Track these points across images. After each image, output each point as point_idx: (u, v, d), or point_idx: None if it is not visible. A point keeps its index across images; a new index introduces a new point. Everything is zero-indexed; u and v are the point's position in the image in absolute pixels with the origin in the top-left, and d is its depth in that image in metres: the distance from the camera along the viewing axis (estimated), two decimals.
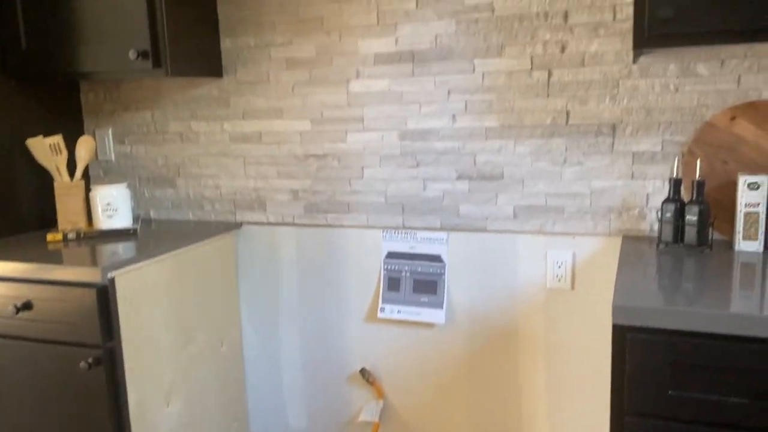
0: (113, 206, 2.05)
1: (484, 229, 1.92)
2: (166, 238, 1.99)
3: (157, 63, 1.86)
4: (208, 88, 2.15)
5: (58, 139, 2.10)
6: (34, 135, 2.13)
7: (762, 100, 1.60)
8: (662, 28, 1.35)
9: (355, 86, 1.97)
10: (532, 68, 1.79)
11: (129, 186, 2.33)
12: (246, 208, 2.18)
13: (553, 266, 1.87)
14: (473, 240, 1.94)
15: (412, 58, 1.90)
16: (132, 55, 1.84)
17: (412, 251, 2.01)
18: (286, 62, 2.04)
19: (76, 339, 1.72)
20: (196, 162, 2.22)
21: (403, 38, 1.90)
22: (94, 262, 1.73)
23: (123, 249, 1.87)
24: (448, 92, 1.88)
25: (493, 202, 1.90)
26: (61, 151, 2.10)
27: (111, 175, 2.35)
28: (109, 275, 1.68)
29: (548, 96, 1.79)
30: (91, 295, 1.68)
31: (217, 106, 2.15)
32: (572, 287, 1.87)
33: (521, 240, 1.89)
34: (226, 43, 2.10)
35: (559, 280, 1.87)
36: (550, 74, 1.77)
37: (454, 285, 1.98)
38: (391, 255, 2.04)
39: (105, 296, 1.69)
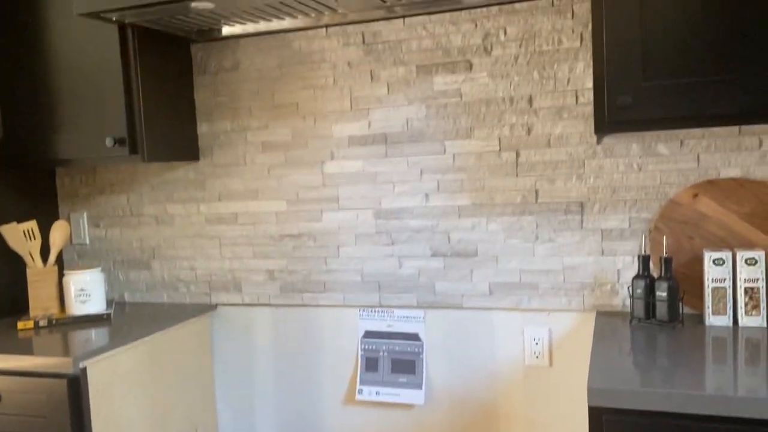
0: (86, 291, 2.02)
1: (460, 306, 1.93)
2: (140, 323, 1.96)
3: (133, 149, 1.89)
4: (184, 171, 2.18)
5: (32, 225, 2.09)
6: (7, 220, 2.13)
7: (721, 178, 1.66)
8: (621, 114, 1.41)
9: (330, 167, 2.01)
10: (500, 149, 1.85)
11: (103, 269, 2.31)
12: (221, 290, 2.17)
13: (530, 343, 1.88)
14: (450, 317, 1.94)
15: (384, 140, 1.95)
16: (109, 142, 1.86)
17: (389, 330, 2.01)
18: (262, 145, 2.08)
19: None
20: (171, 244, 2.22)
21: (376, 122, 1.96)
22: (65, 350, 1.69)
23: (96, 336, 1.84)
24: (421, 172, 1.93)
25: (469, 279, 1.91)
26: (34, 237, 2.09)
27: (85, 259, 2.33)
28: (81, 365, 1.65)
29: (517, 175, 1.84)
30: (61, 386, 1.64)
31: (194, 188, 2.17)
32: (550, 364, 1.87)
33: (498, 317, 1.90)
34: (202, 128, 2.14)
35: (537, 357, 1.88)
36: (518, 155, 1.83)
37: (432, 364, 1.97)
38: (368, 334, 2.03)
39: (77, 387, 1.65)
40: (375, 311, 2.01)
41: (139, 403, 1.84)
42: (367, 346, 2.03)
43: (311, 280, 2.06)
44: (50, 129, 1.95)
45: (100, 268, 2.07)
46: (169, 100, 2.01)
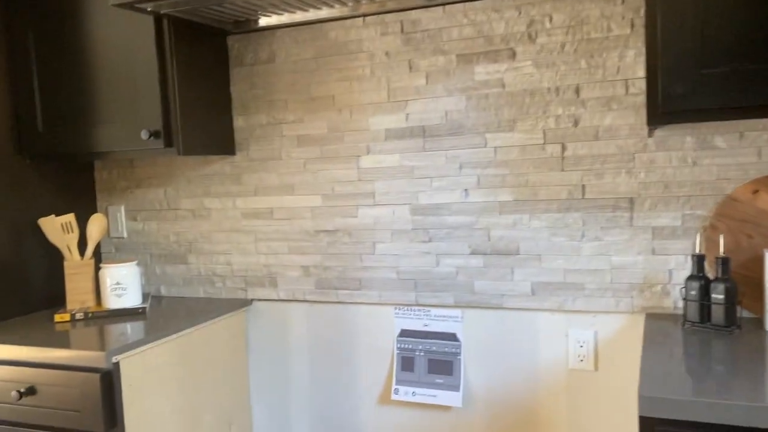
0: (122, 285, 2.02)
1: (500, 306, 1.85)
2: (175, 318, 1.95)
3: (168, 143, 1.87)
4: (220, 165, 2.16)
5: (70, 218, 2.10)
6: (46, 213, 2.14)
7: None
8: (676, 104, 1.32)
9: (366, 162, 1.96)
10: (545, 142, 1.76)
11: (140, 263, 2.31)
12: (257, 285, 2.14)
13: (574, 346, 1.79)
14: (490, 318, 1.87)
15: (422, 133, 1.89)
16: (144, 135, 1.85)
17: (426, 329, 1.94)
18: (298, 139, 2.04)
19: (78, 427, 1.66)
20: (208, 238, 2.20)
21: (414, 114, 1.89)
22: (99, 344, 1.68)
23: (131, 330, 1.83)
24: (460, 166, 1.86)
25: (510, 278, 1.84)
26: (72, 230, 2.09)
27: (123, 252, 2.33)
28: (114, 359, 1.63)
29: (563, 170, 1.75)
30: (94, 381, 1.63)
31: (230, 182, 2.15)
32: (595, 368, 1.78)
33: (540, 318, 1.82)
34: (238, 122, 2.11)
35: (582, 361, 1.79)
36: (564, 148, 1.75)
37: (471, 365, 1.90)
38: (404, 333, 1.97)
39: (109, 381, 1.64)
40: (411, 310, 1.95)
41: (172, 399, 1.83)
42: (403, 345, 1.97)
43: (346, 277, 2.01)
44: (88, 121, 1.95)
45: (136, 262, 2.06)
46: (205, 93, 1.99)
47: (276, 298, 2.12)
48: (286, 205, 2.07)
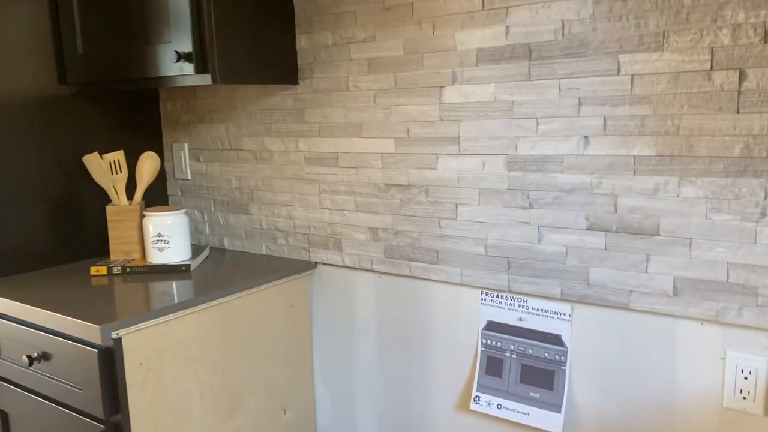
0: (165, 237, 1.73)
1: (626, 307, 1.30)
2: (224, 278, 1.63)
3: (202, 67, 1.50)
4: (282, 97, 1.76)
5: (118, 156, 1.83)
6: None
7: None
8: None
9: (451, 94, 1.45)
10: (712, 67, 1.14)
11: (203, 209, 2.01)
12: (321, 246, 1.76)
13: (735, 375, 1.20)
14: (610, 320, 1.33)
15: (528, 54, 1.33)
16: (172, 57, 1.49)
17: (520, 325, 1.44)
18: (368, 64, 1.57)
19: (80, 407, 1.41)
20: (270, 186, 1.84)
21: (517, 27, 1.34)
22: (107, 312, 1.40)
23: (162, 292, 1.54)
24: (579, 103, 1.29)
25: (642, 267, 1.27)
26: (120, 170, 1.83)
27: (187, 197, 2.06)
28: (114, 334, 1.34)
29: (738, 111, 1.12)
30: (92, 358, 1.35)
31: (292, 119, 1.75)
32: (765, 412, 1.18)
33: (684, 329, 1.24)
34: (302, 42, 1.68)
35: (745, 398, 1.20)
36: (742, 76, 1.11)
37: (579, 380, 1.38)
38: (491, 326, 1.48)
39: (110, 360, 1.35)
40: (502, 297, 1.46)
41: (204, 379, 1.52)
42: (489, 342, 1.49)
43: (421, 246, 1.55)
44: (125, 42, 1.62)
45: (183, 210, 1.76)
46: (255, 3, 1.58)
47: (341, 263, 1.72)
48: (354, 149, 1.64)
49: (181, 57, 1.49)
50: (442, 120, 1.47)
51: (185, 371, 1.48)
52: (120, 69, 1.65)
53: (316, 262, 1.78)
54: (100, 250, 1.92)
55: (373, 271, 1.66)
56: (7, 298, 1.52)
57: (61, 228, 1.83)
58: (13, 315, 1.51)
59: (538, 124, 1.35)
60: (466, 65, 1.41)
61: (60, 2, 1.74)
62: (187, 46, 1.49)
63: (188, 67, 1.50)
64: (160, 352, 1.43)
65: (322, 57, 1.65)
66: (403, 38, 1.50)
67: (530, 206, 1.38)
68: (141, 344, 1.39)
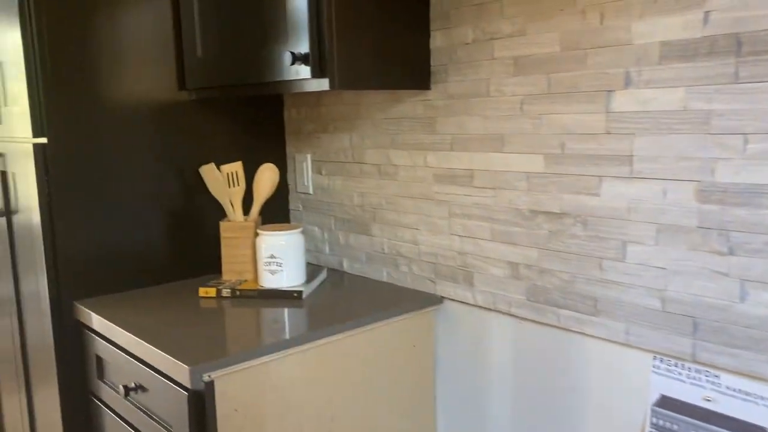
0: (278, 259, 1.56)
1: None
2: (338, 309, 1.43)
3: (319, 71, 1.29)
4: (411, 104, 1.52)
5: (237, 167, 1.69)
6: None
7: None
8: None
9: (622, 101, 1.13)
10: None
11: (323, 227, 1.83)
12: (448, 278, 1.50)
13: None
14: None
15: (736, 48, 0.98)
16: (287, 59, 1.30)
17: (707, 406, 1.09)
18: (515, 63, 1.29)
19: None
20: (394, 205, 1.61)
21: (720, 12, 0.99)
22: (203, 348, 1.23)
23: (270, 324, 1.37)
24: None
25: None
26: (238, 182, 1.69)
27: (309, 211, 1.88)
28: (206, 377, 1.17)
29: None
30: (182, 401, 1.19)
31: (421, 129, 1.51)
32: None
33: None
34: (436, 40, 1.44)
35: None
36: None
37: None
38: (665, 403, 1.14)
39: (200, 405, 1.18)
40: (683, 367, 1.11)
41: (308, 428, 1.32)
42: (661, 422, 1.15)
43: (575, 291, 1.24)
44: (242, 44, 1.47)
45: (299, 230, 1.58)
46: None
47: (471, 301, 1.45)
48: (493, 167, 1.36)
49: (296, 59, 1.29)
50: (608, 133, 1.15)
51: (286, 419, 1.29)
52: (236, 73, 1.50)
53: (442, 297, 1.52)
54: (214, 266, 1.79)
55: (510, 314, 1.37)
56: (112, 321, 1.41)
57: (176, 242, 1.72)
58: (114, 340, 1.40)
59: (746, 142, 0.99)
60: (645, 64, 1.09)
61: (182, 7, 1.63)
62: (303, 47, 1.29)
63: (305, 71, 1.30)
64: (258, 398, 1.24)
65: (459, 56, 1.39)
66: (561, 31, 1.20)
67: (730, 252, 1.02)
68: (237, 388, 1.21)
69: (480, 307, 1.43)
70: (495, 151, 1.35)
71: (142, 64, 1.62)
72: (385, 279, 1.67)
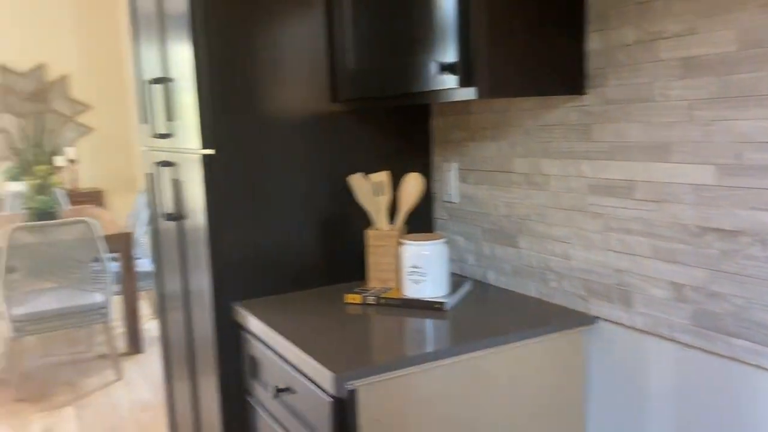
0: (421, 270, 1.55)
1: None
2: (481, 323, 1.40)
3: (466, 80, 1.27)
4: (564, 110, 1.44)
5: (383, 177, 1.71)
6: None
7: None
8: None
9: None
10: None
11: (470, 237, 1.80)
12: (602, 296, 1.40)
13: None
14: None
15: None
16: (434, 69, 1.29)
17: None
18: (683, 65, 1.17)
19: None
20: (543, 216, 1.54)
21: None
22: (343, 355, 1.25)
23: (413, 334, 1.37)
24: None
25: None
26: (384, 191, 1.71)
27: (454, 221, 1.86)
28: (349, 386, 1.18)
29: None
30: (324, 407, 1.22)
31: (575, 137, 1.42)
32: None
33: None
34: (593, 42, 1.35)
35: None
36: None
37: None
38: None
39: (342, 413, 1.20)
40: None
41: None
42: None
43: (751, 319, 1.10)
44: (392, 53, 1.48)
45: (442, 240, 1.56)
46: (534, 1, 1.30)
47: (628, 323, 1.34)
48: (655, 178, 1.25)
49: (443, 68, 1.28)
50: None
51: None
52: (384, 84, 1.51)
53: (595, 317, 1.43)
54: (360, 272, 1.82)
55: (673, 340, 1.25)
56: (265, 323, 1.47)
57: (324, 248, 1.77)
58: (267, 342, 1.47)
59: None
60: None
61: (335, 21, 1.68)
62: (450, 57, 1.27)
63: (451, 80, 1.28)
64: (400, 409, 1.24)
65: (619, 59, 1.29)
66: (738, 28, 1.07)
67: None
68: (380, 399, 1.21)
69: (638, 329, 1.32)
70: (658, 160, 1.24)
71: (298, 77, 1.68)
72: (532, 294, 1.60)
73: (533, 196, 1.56)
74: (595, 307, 1.42)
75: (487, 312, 1.49)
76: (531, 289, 1.60)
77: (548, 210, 1.52)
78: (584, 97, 1.39)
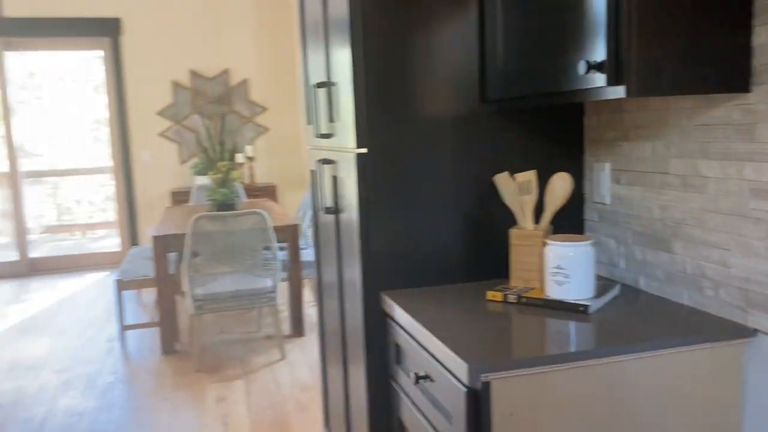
0: (565, 271, 1.54)
1: None
2: (626, 329, 1.37)
3: (615, 78, 1.25)
4: (726, 109, 1.36)
5: (530, 176, 1.72)
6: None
7: None
8: None
9: None
10: None
11: (619, 240, 1.75)
12: (763, 308, 1.31)
13: None
14: None
15: None
16: (581, 68, 1.28)
17: None
18: None
19: None
20: (699, 221, 1.46)
21: None
22: (480, 348, 1.29)
23: (553, 334, 1.38)
24: None
25: None
26: (530, 191, 1.72)
27: (605, 223, 1.82)
28: (484, 377, 1.22)
29: None
30: (459, 396, 1.26)
31: (737, 137, 1.34)
32: None
33: None
34: (760, 36, 1.27)
35: None
36: None
37: None
38: None
39: (475, 403, 1.24)
40: None
41: None
42: None
43: None
44: (538, 54, 1.50)
45: (589, 242, 1.54)
46: None
47: None
48: None
49: (591, 67, 1.27)
50: None
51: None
52: (533, 83, 1.53)
53: (755, 329, 1.33)
54: (503, 271, 1.84)
55: None
56: (410, 313, 1.56)
57: (469, 245, 1.82)
58: (410, 331, 1.55)
59: None
60: None
61: (487, 22, 1.71)
62: (600, 55, 1.26)
63: (599, 79, 1.27)
64: (535, 406, 1.25)
65: None
66: None
67: None
68: (512, 393, 1.24)
69: None
70: None
71: (449, 79, 1.74)
72: (685, 302, 1.52)
73: (689, 199, 1.49)
74: (754, 319, 1.33)
75: (635, 318, 1.45)
76: (683, 296, 1.52)
77: (705, 214, 1.44)
78: (749, 95, 1.30)
